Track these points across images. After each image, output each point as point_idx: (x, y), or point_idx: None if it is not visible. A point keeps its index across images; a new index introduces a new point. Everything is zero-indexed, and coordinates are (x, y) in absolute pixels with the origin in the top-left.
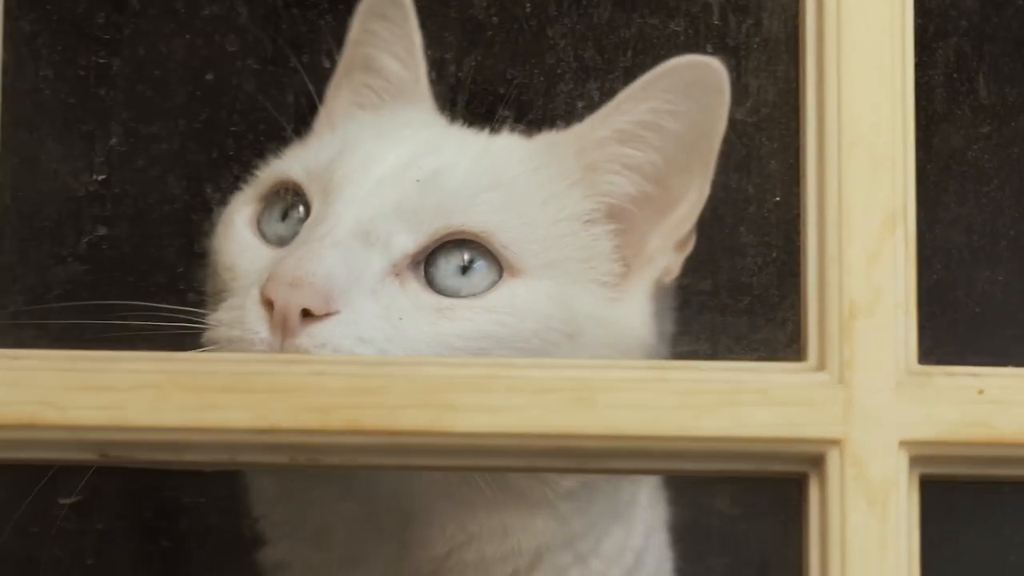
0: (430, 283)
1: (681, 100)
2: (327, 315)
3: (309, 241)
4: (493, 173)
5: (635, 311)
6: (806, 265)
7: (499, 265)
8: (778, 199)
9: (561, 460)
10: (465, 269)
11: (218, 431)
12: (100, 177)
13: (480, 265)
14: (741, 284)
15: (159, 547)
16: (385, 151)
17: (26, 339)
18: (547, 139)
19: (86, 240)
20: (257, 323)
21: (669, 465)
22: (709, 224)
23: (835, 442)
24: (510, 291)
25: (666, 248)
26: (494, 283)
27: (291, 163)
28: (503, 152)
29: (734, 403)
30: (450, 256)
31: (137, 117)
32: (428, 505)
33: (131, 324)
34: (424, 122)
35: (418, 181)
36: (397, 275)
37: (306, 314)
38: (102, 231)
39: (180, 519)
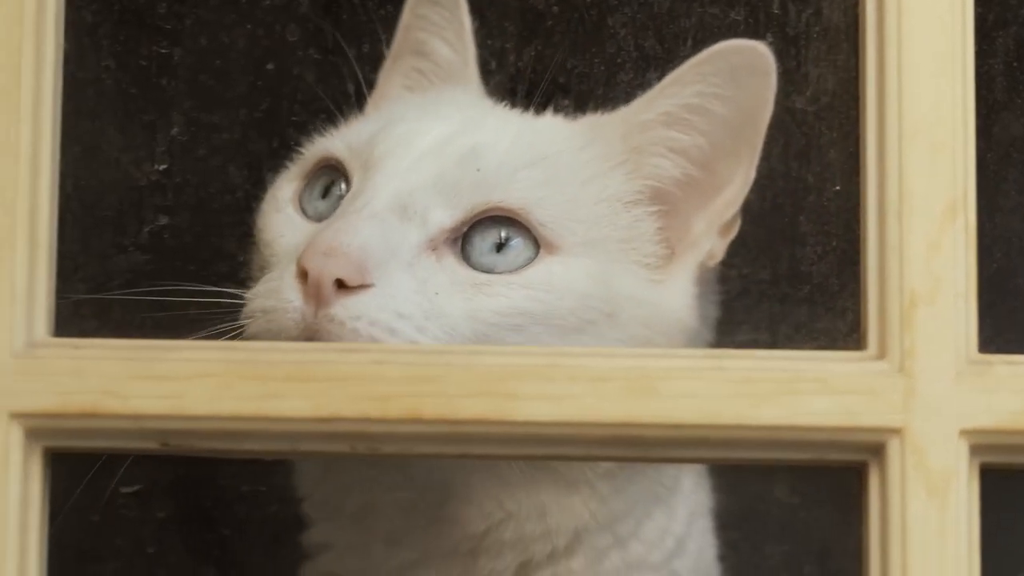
0: (466, 259)
1: (727, 84)
2: (362, 287)
3: (347, 214)
4: (534, 151)
5: (678, 294)
6: (866, 254)
7: (536, 242)
8: (838, 188)
9: (619, 449)
10: (501, 246)
11: (278, 420)
12: (161, 167)
13: (517, 242)
14: (801, 273)
15: (218, 535)
16: (427, 127)
17: (88, 328)
18: (591, 121)
19: (147, 229)
20: (292, 293)
21: (727, 454)
22: (768, 213)
23: (895, 431)
24: (547, 268)
25: (710, 232)
26: (531, 260)
27: (334, 140)
28: (545, 131)
29: (793, 392)
30: (486, 233)
31: (198, 107)
32: (466, 483)
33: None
34: (469, 102)
35: (460, 156)
36: (434, 250)
37: (341, 285)
38: (163, 220)
39: (238, 508)
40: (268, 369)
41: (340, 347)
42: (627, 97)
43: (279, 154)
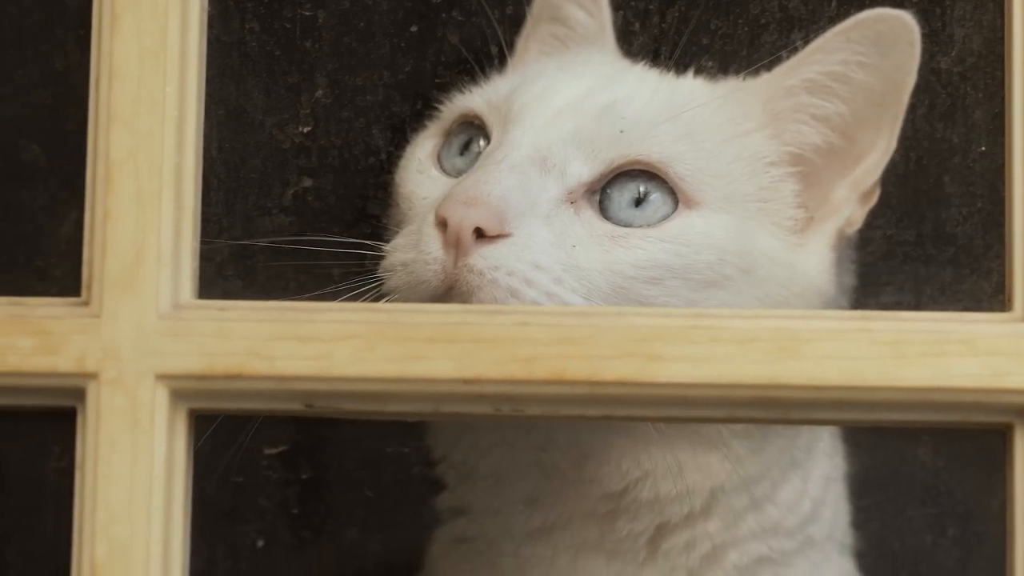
0: (604, 213)
1: (871, 52)
2: (500, 237)
3: (486, 165)
4: (673, 107)
5: (815, 258)
6: (1012, 215)
7: (675, 197)
8: (983, 149)
9: (763, 411)
10: (639, 201)
11: (423, 381)
12: (305, 129)
13: (655, 196)
14: (946, 234)
15: (363, 497)
16: (564, 83)
17: (233, 290)
18: (732, 85)
19: (291, 192)
20: (431, 243)
21: (872, 416)
22: (913, 174)
23: None
24: (686, 222)
25: (850, 199)
26: (669, 214)
27: (473, 97)
28: (685, 90)
29: (938, 353)
30: (625, 187)
31: (342, 69)
32: (604, 441)
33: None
34: (605, 62)
35: (599, 111)
36: (572, 203)
37: (480, 235)
38: (307, 183)
39: (383, 469)
40: (412, 331)
41: (485, 309)
42: (771, 58)
43: (422, 115)
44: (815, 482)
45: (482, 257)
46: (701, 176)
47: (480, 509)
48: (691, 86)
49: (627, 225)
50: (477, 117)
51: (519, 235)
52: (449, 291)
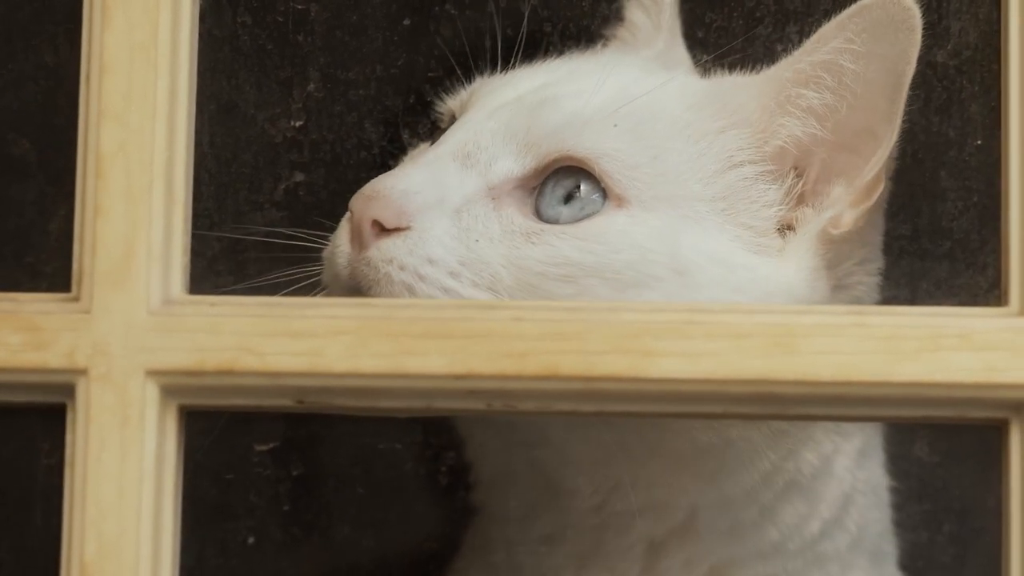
0: (538, 210)
1: (867, 40)
2: (398, 231)
3: (411, 160)
4: (623, 104)
5: (790, 263)
6: (1008, 209)
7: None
8: (979, 143)
9: (758, 407)
10: (569, 197)
11: (415, 377)
12: (297, 123)
13: (585, 194)
14: (941, 229)
15: (354, 494)
16: (522, 79)
17: (224, 285)
18: (722, 80)
19: (283, 187)
20: (342, 236)
21: (868, 412)
22: (909, 168)
23: None
24: (606, 220)
25: (841, 199)
26: (596, 212)
27: (460, 94)
28: (650, 86)
29: (934, 348)
30: (559, 184)
31: (334, 63)
32: (575, 450)
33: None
34: (613, 60)
35: (534, 105)
36: (494, 198)
37: (382, 229)
38: (299, 177)
39: (375, 466)
40: (404, 326)
41: (477, 304)
42: (767, 51)
43: (415, 110)
44: (829, 502)
45: (377, 250)
46: (635, 174)
47: (489, 513)
48: (668, 82)
49: (555, 221)
50: (451, 113)
51: (416, 229)
52: (354, 286)
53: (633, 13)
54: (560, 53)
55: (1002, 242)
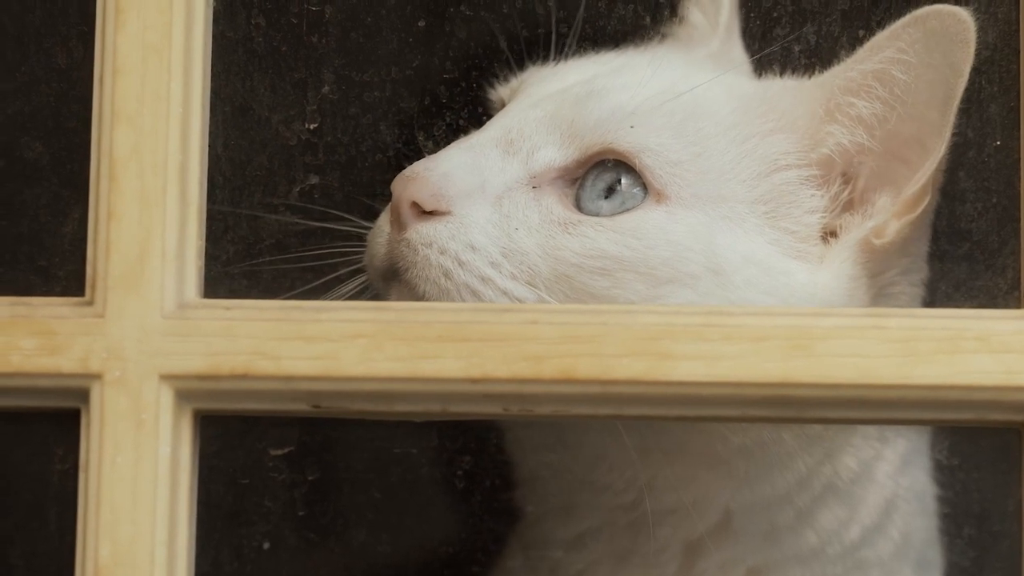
0: (579, 202)
1: (919, 51)
2: (438, 214)
3: (454, 143)
4: (670, 100)
5: (828, 271)
6: None
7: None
8: (998, 143)
9: (776, 409)
10: (610, 191)
11: (431, 381)
12: (312, 125)
13: (626, 188)
14: (960, 230)
15: (370, 499)
16: (572, 70)
17: (239, 289)
18: (773, 82)
19: (298, 189)
20: (383, 217)
21: (886, 414)
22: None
23: None
24: (645, 215)
25: (886, 209)
26: (635, 207)
27: (510, 81)
28: (715, 87)
29: (953, 351)
30: (600, 177)
31: (349, 64)
32: (607, 448)
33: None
34: (665, 56)
35: (580, 97)
36: (535, 187)
37: (420, 211)
38: (314, 180)
39: (390, 470)
40: (420, 329)
41: (493, 307)
42: (783, 52)
43: (430, 112)
44: (870, 508)
45: (416, 232)
46: (677, 170)
47: (530, 512)
48: (717, 81)
49: (595, 214)
50: (502, 101)
51: (457, 213)
52: (392, 267)
53: (690, 12)
54: (614, 47)
55: (1022, 244)
